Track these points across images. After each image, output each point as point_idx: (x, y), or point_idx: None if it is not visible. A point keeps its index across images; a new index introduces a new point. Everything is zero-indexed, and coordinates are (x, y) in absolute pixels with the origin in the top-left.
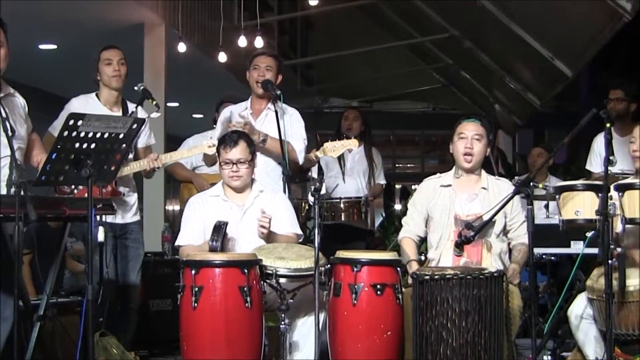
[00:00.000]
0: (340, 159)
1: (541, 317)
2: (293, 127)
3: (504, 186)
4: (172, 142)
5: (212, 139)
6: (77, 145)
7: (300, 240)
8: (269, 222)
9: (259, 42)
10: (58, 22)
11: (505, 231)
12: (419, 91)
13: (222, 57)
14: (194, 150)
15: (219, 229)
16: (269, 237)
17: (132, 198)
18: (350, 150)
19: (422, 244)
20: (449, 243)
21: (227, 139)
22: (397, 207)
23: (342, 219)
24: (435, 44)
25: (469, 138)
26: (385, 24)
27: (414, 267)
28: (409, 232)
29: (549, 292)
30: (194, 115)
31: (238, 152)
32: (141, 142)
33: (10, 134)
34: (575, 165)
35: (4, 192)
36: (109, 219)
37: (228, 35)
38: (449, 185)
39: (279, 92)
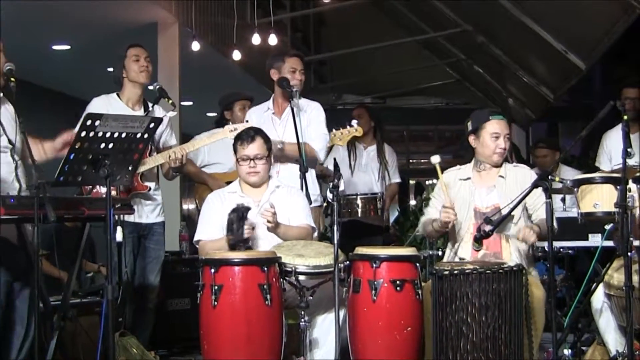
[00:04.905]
0: (351, 154)
1: (559, 310)
2: (312, 124)
3: (522, 172)
4: (186, 140)
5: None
6: (95, 145)
7: (315, 234)
8: (272, 215)
9: (272, 40)
10: (71, 22)
11: (527, 215)
12: (432, 86)
13: (236, 55)
14: (215, 136)
15: (238, 214)
16: (278, 229)
17: (159, 195)
18: (358, 136)
19: (440, 237)
20: (467, 235)
21: (244, 135)
22: (412, 202)
23: (359, 215)
24: (448, 39)
25: (502, 137)
26: (398, 20)
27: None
28: (428, 216)
29: (566, 285)
30: (208, 114)
31: (255, 147)
32: (163, 141)
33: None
34: (591, 157)
35: None
36: (134, 218)
37: (241, 33)
38: (468, 179)
39: (294, 89)
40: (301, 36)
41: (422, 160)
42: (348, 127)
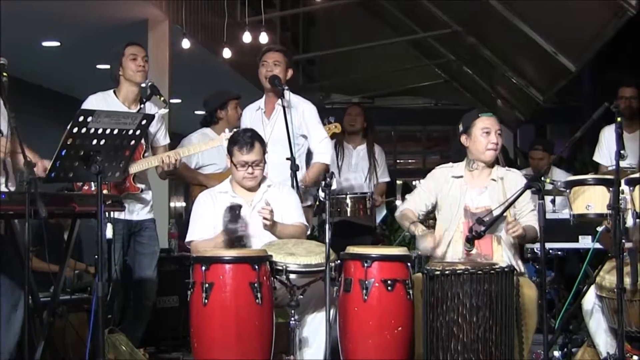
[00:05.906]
0: (339, 154)
1: (548, 312)
2: (312, 136)
3: (514, 177)
4: (174, 138)
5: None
6: (86, 141)
7: (308, 231)
8: (269, 213)
9: (263, 38)
10: (62, 19)
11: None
12: (421, 87)
13: (227, 53)
14: (211, 143)
15: (234, 211)
16: (275, 227)
17: (149, 195)
18: (341, 132)
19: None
20: (457, 234)
21: (242, 141)
22: (399, 202)
23: (348, 214)
24: (438, 39)
25: (493, 133)
26: (387, 20)
27: (419, 227)
28: (409, 205)
29: (555, 287)
30: (196, 112)
31: (254, 154)
32: (158, 141)
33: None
34: (578, 160)
35: None
36: (124, 215)
37: (232, 31)
38: (461, 177)
39: (285, 87)
40: (290, 35)
41: (410, 161)
42: (327, 123)
